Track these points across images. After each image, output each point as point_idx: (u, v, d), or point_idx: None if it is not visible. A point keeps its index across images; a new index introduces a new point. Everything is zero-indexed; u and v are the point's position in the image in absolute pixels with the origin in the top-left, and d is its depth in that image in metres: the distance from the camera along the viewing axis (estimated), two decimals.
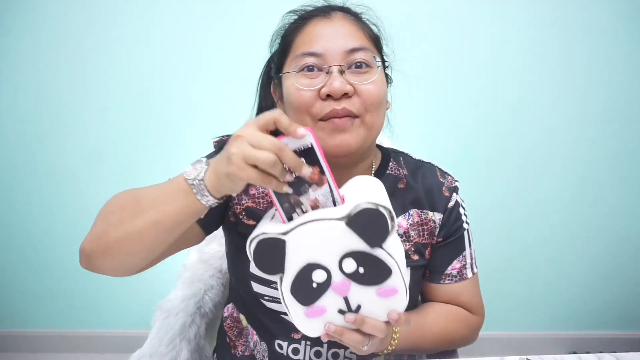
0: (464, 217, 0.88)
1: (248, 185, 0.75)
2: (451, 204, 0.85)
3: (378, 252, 0.58)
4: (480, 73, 1.66)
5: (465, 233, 0.88)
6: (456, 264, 0.87)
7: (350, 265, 0.58)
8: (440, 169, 0.89)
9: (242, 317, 0.90)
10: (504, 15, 1.62)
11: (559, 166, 1.75)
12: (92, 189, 1.74)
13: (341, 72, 0.73)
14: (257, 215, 0.81)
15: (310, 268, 0.59)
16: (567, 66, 1.66)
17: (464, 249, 0.88)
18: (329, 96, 0.72)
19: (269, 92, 0.86)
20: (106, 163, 1.73)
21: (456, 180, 0.88)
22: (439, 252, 0.87)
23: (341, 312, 0.61)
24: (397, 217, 0.82)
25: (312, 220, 0.57)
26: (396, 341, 0.76)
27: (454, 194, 0.86)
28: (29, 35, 1.63)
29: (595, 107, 1.69)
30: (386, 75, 0.81)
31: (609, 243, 1.82)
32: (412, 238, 0.84)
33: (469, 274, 0.88)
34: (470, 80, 1.67)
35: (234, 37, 1.62)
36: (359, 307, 0.61)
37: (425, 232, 0.84)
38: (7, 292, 1.89)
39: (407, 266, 0.78)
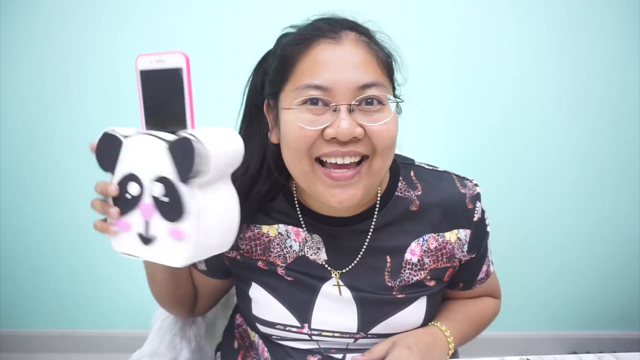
0: (487, 222, 0.83)
1: (240, 232, 0.78)
2: (477, 216, 0.79)
3: (182, 188, 0.54)
4: (480, 73, 1.66)
5: (488, 237, 0.85)
6: (484, 268, 0.87)
7: (158, 189, 0.56)
8: (457, 177, 0.82)
9: (251, 332, 0.88)
10: (503, 15, 1.62)
11: (559, 166, 1.75)
12: (92, 189, 1.72)
13: (350, 111, 0.64)
14: (251, 259, 0.80)
15: (130, 177, 0.58)
16: (566, 66, 1.65)
17: (487, 251, 0.87)
18: (334, 138, 0.64)
19: (261, 110, 0.77)
20: None
21: (476, 185, 0.81)
22: (472, 266, 0.84)
23: (140, 236, 0.58)
24: (410, 242, 0.78)
25: (148, 134, 0.56)
26: (452, 344, 0.79)
27: (477, 202, 0.80)
28: (30, 33, 1.63)
29: (598, 107, 1.69)
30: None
31: (609, 243, 1.82)
32: (426, 265, 0.78)
33: (492, 269, 0.90)
34: (470, 80, 1.66)
35: (234, 37, 1.62)
36: (153, 237, 0.58)
37: (444, 257, 0.79)
38: (7, 292, 1.89)
39: (424, 294, 0.78)
